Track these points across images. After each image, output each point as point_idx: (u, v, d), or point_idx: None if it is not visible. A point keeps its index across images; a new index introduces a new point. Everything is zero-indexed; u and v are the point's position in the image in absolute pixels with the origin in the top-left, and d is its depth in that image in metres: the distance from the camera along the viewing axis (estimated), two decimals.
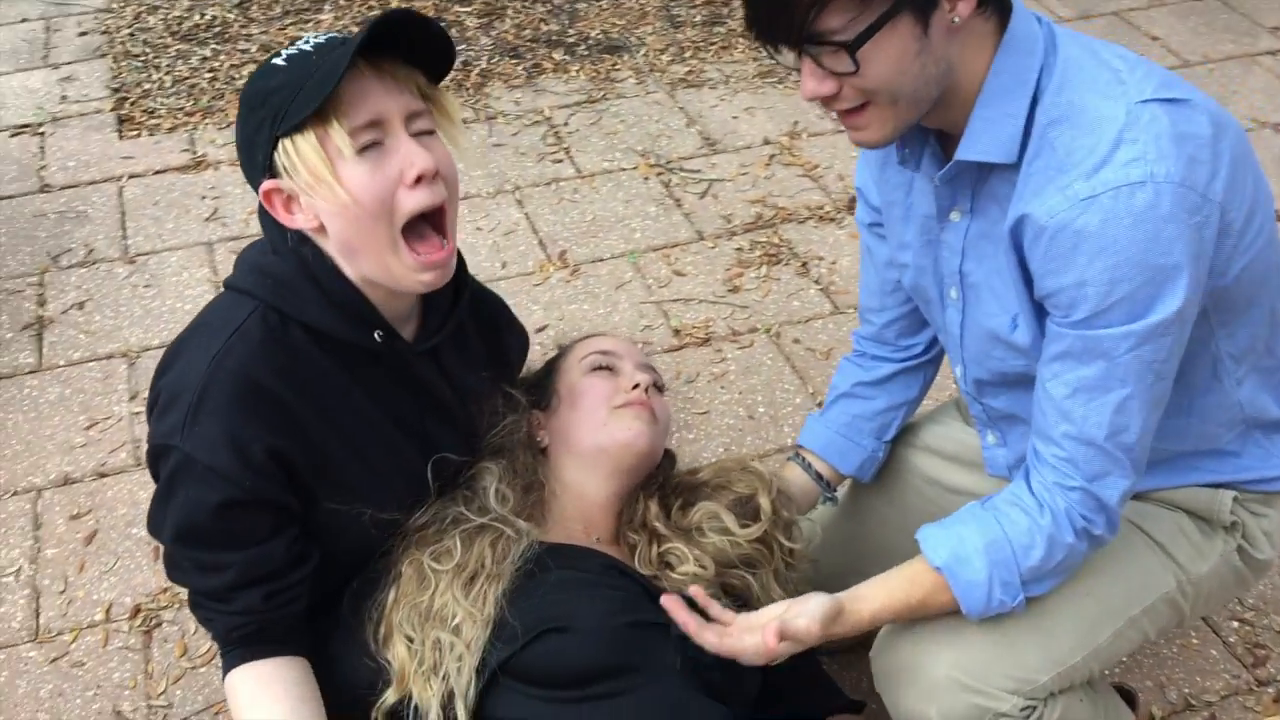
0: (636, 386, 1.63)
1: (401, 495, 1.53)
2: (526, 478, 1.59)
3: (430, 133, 1.40)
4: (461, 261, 1.58)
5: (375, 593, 1.49)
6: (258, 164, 1.38)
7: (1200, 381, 1.45)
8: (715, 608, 1.40)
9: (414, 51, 1.39)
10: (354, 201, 1.34)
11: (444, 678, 1.39)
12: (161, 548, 1.47)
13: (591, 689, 1.41)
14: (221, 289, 1.50)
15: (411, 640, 1.43)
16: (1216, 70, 3.74)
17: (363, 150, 1.34)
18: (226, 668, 1.46)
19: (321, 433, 1.44)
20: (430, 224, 1.41)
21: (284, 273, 1.42)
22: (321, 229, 1.40)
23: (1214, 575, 1.56)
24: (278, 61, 1.37)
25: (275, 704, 1.42)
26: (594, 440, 1.61)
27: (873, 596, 1.43)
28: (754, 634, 1.40)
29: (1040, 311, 1.37)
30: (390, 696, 1.44)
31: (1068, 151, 1.27)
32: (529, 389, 1.72)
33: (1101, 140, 1.25)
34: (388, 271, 1.40)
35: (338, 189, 1.33)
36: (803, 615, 1.39)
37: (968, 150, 1.34)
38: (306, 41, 1.39)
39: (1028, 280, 1.36)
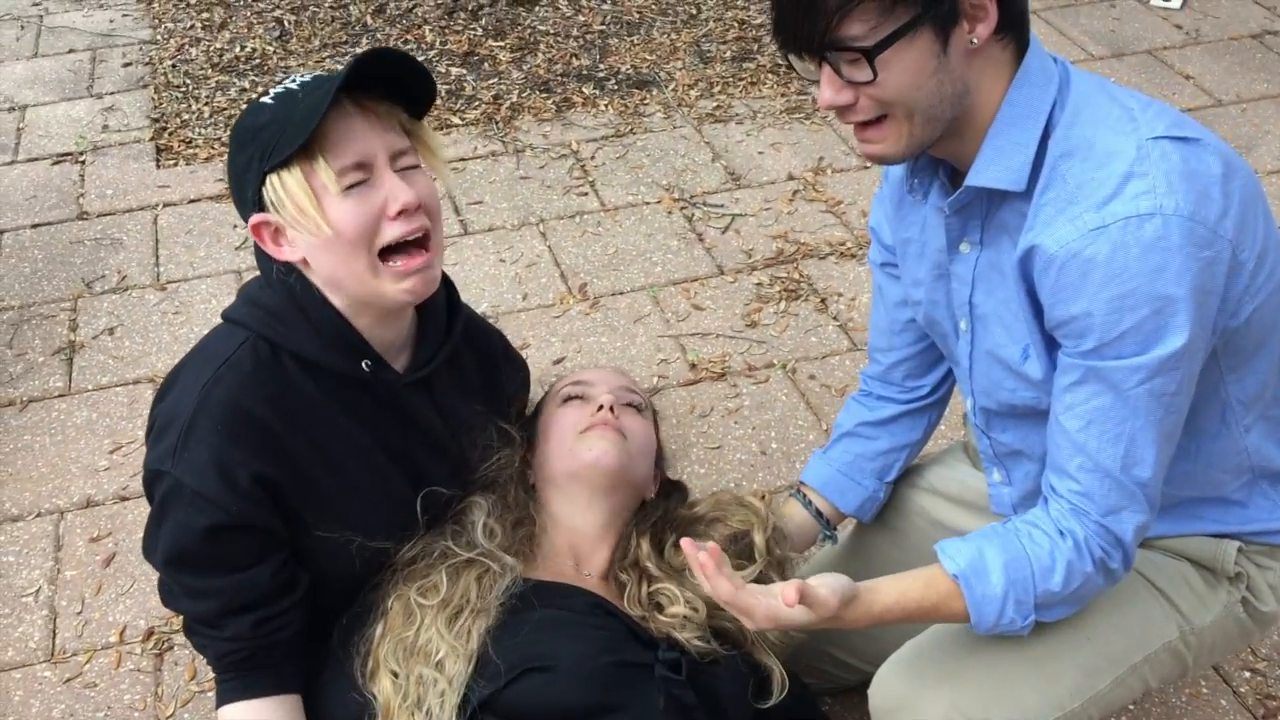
0: (601, 409, 1.64)
1: (390, 524, 1.54)
2: (517, 513, 1.60)
3: (415, 167, 1.44)
4: (454, 292, 1.61)
5: (364, 626, 1.50)
6: (247, 199, 1.42)
7: (1209, 426, 1.44)
8: (727, 568, 1.36)
9: (397, 88, 1.42)
10: (336, 234, 1.37)
11: (427, 713, 1.39)
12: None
13: None
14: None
15: (396, 675, 1.44)
16: (1250, 110, 3.69)
17: (349, 189, 1.37)
18: (220, 698, 1.48)
19: (310, 460, 1.46)
20: (413, 244, 1.43)
21: (274, 304, 1.45)
22: (308, 261, 1.43)
23: (1217, 626, 1.54)
24: (266, 100, 1.41)
25: None
26: (565, 467, 1.62)
27: (887, 591, 1.40)
28: (770, 597, 1.35)
29: (1051, 344, 1.38)
30: None
31: (1078, 184, 1.28)
32: (522, 429, 1.73)
33: (1112, 174, 1.26)
34: (373, 291, 1.42)
35: (322, 223, 1.36)
36: (824, 585, 1.35)
37: (977, 177, 1.35)
38: (293, 80, 1.42)
39: (1038, 312, 1.36)
